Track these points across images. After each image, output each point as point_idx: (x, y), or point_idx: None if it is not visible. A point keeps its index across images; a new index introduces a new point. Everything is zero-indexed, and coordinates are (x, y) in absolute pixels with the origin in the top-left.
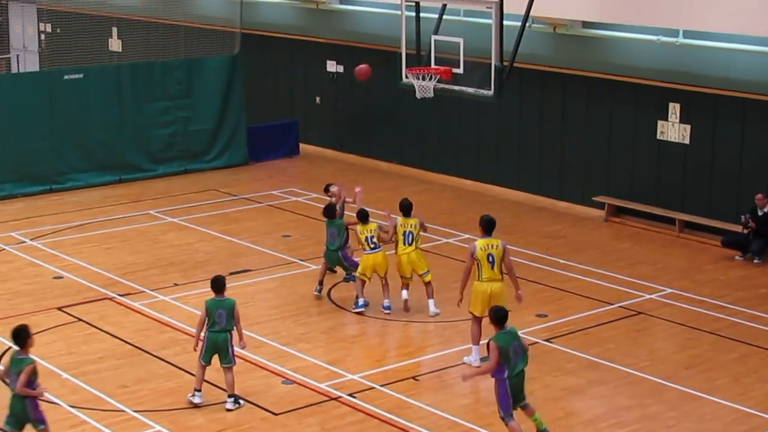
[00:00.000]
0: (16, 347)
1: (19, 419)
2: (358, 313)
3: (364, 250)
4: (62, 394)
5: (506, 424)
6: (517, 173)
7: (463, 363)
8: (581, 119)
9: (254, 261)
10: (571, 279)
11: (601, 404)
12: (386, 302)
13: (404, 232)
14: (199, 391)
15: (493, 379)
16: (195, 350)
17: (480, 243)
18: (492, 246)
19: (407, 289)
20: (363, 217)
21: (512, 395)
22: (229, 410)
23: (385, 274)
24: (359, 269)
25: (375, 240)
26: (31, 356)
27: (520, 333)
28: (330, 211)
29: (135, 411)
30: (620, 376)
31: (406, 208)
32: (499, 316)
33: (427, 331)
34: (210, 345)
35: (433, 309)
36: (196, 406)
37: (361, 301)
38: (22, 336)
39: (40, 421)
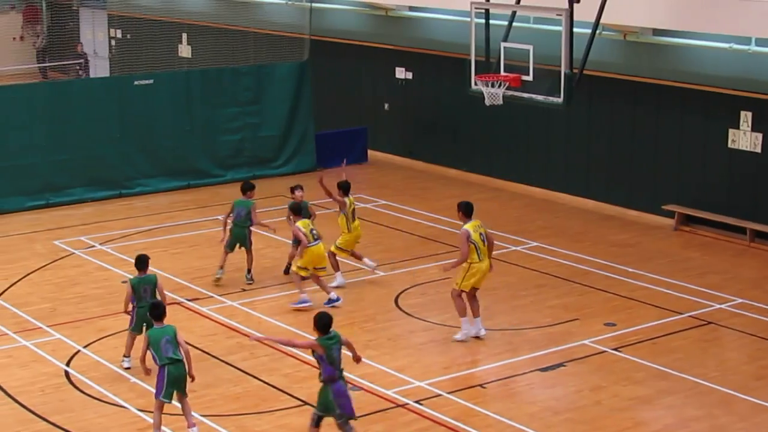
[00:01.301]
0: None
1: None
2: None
3: (309, 243)
4: (130, 397)
5: None
6: (586, 181)
7: (454, 341)
8: (651, 127)
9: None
10: (640, 288)
11: (670, 414)
12: (334, 295)
13: (353, 209)
14: (128, 357)
15: None
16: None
17: (471, 227)
18: (480, 227)
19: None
20: (298, 211)
21: None
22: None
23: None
24: (301, 263)
25: (316, 232)
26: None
27: None
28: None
29: (202, 415)
30: (689, 386)
31: (345, 189)
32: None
33: (494, 339)
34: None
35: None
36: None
37: (334, 295)
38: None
39: None
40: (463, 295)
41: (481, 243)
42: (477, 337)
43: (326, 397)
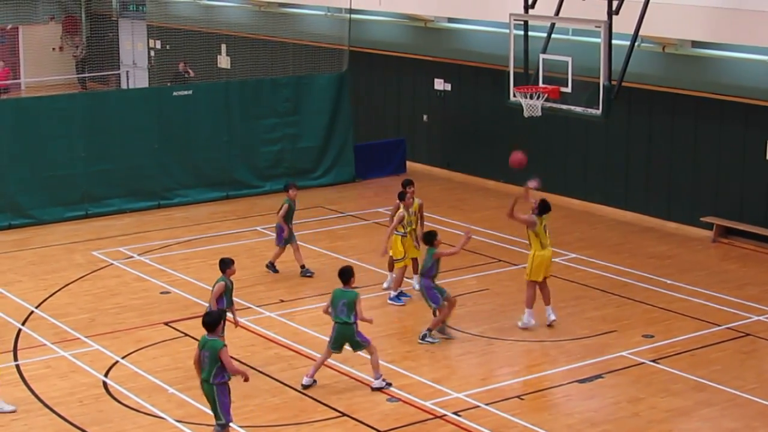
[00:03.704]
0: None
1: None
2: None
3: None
4: (168, 408)
5: None
6: (625, 193)
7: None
8: (690, 139)
9: (360, 278)
10: (678, 300)
11: (708, 426)
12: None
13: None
14: None
15: None
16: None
17: (539, 218)
18: (545, 219)
19: None
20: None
21: None
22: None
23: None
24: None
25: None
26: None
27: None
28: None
29: (240, 426)
30: (727, 398)
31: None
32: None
33: (532, 350)
34: None
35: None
36: None
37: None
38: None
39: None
40: (534, 285)
41: (544, 234)
42: (549, 326)
43: None
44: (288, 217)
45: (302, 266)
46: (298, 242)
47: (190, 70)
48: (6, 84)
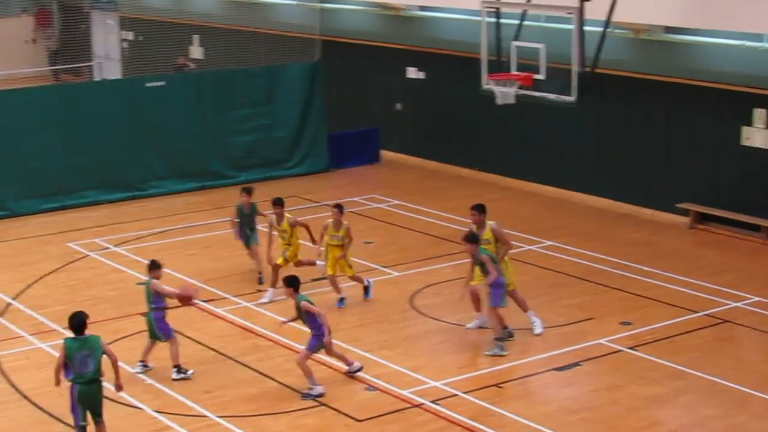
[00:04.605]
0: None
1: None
2: None
3: None
4: (146, 399)
5: None
6: (600, 180)
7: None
8: (664, 125)
9: None
10: (655, 287)
11: (687, 413)
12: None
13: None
14: None
15: None
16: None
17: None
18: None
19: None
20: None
21: None
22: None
23: None
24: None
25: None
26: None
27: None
28: None
29: (218, 416)
30: (706, 385)
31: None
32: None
33: (510, 339)
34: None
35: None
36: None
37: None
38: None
39: None
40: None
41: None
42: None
43: None
44: (241, 220)
45: (260, 273)
46: (256, 246)
47: (189, 63)
48: None
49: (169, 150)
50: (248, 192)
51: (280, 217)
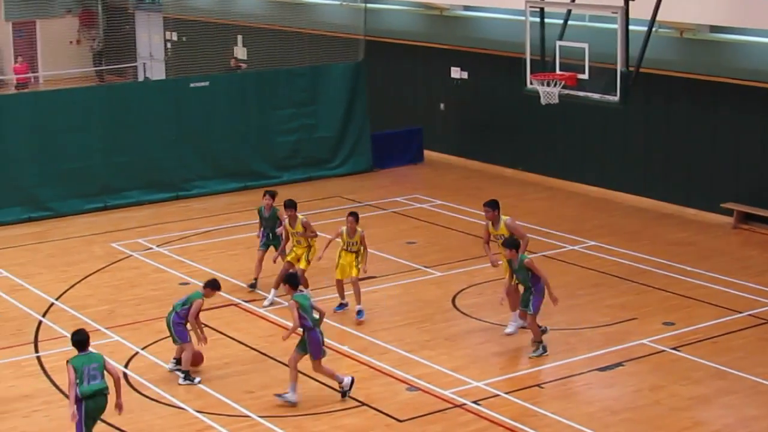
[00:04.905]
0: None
1: None
2: None
3: None
4: (188, 399)
5: None
6: (643, 179)
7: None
8: (708, 124)
9: (379, 268)
10: (698, 287)
11: (730, 414)
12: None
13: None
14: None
15: None
16: None
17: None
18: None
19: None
20: None
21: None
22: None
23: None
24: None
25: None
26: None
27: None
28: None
29: (260, 416)
30: (749, 385)
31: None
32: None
33: (552, 339)
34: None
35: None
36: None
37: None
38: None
39: None
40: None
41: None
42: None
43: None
44: (264, 224)
45: (255, 278)
46: (265, 251)
47: (241, 64)
48: (25, 78)
49: (212, 150)
50: (272, 195)
51: (293, 219)
